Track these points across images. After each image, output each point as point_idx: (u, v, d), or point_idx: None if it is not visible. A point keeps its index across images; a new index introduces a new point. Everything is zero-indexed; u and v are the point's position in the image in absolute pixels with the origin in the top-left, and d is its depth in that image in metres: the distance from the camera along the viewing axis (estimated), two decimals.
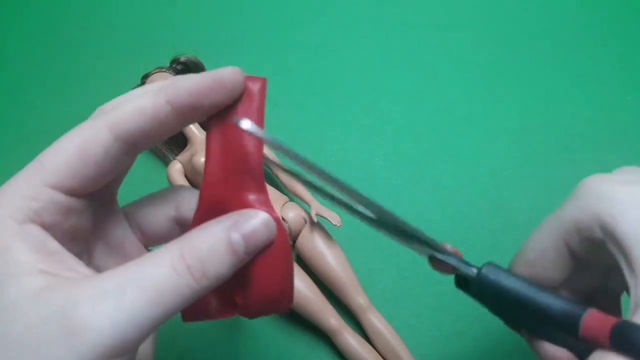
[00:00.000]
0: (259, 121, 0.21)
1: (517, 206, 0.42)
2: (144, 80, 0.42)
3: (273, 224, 0.19)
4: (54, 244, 0.18)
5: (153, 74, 0.42)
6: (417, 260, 0.40)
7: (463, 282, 0.24)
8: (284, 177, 0.39)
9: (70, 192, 0.18)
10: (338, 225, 0.36)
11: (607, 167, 0.43)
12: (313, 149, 0.44)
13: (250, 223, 0.18)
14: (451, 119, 0.46)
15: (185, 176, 0.40)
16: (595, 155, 0.44)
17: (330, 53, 0.49)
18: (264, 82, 0.22)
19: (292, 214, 0.37)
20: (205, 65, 0.44)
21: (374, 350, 0.35)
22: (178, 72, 0.43)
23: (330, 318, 0.35)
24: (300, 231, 0.37)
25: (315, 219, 0.36)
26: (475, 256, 0.38)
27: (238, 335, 0.38)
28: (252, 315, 0.21)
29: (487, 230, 0.41)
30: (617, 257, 0.20)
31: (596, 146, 0.45)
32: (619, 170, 0.23)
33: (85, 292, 0.16)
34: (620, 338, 0.18)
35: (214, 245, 0.17)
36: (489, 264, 0.23)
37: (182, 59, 0.43)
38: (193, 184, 0.39)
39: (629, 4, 0.52)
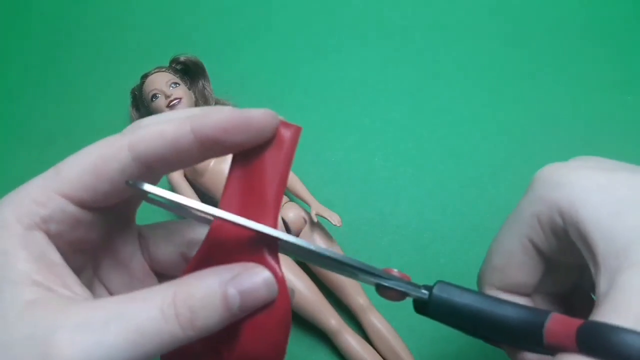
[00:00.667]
0: (284, 171, 0.19)
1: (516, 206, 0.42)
2: (143, 79, 0.42)
3: (274, 285, 0.18)
4: (55, 256, 0.18)
5: (152, 73, 0.42)
6: (416, 260, 0.40)
7: (421, 307, 0.22)
8: None
9: (81, 204, 0.18)
10: (338, 225, 0.36)
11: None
12: (313, 149, 0.44)
13: (250, 280, 0.17)
14: (451, 119, 0.46)
15: (185, 177, 0.40)
16: (594, 155, 0.44)
17: (330, 53, 0.49)
18: (297, 130, 0.20)
19: (292, 214, 0.37)
20: (205, 65, 0.44)
21: (374, 351, 0.35)
22: (177, 72, 0.43)
23: (330, 318, 0.35)
24: (300, 231, 0.37)
25: (315, 219, 0.36)
26: (475, 256, 0.38)
27: None
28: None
29: (487, 230, 0.41)
30: (579, 245, 0.19)
31: (596, 146, 0.45)
32: (574, 159, 0.22)
33: (69, 319, 0.15)
34: (586, 340, 0.17)
35: (208, 296, 0.16)
36: (440, 282, 0.21)
37: (182, 58, 0.43)
38: (193, 184, 0.39)
39: (629, 3, 0.52)
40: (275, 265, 0.18)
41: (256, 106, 0.48)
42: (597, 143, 0.45)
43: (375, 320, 0.36)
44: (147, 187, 0.17)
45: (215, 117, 0.18)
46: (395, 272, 0.21)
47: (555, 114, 0.46)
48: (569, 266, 0.22)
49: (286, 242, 0.18)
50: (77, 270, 0.19)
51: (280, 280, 0.18)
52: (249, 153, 0.19)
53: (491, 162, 0.44)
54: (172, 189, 0.39)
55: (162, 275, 0.23)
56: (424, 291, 0.21)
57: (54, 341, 0.15)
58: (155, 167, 0.18)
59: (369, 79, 0.48)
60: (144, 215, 0.24)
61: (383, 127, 0.46)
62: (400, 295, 0.21)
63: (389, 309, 0.37)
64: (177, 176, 0.39)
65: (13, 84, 0.48)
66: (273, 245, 0.18)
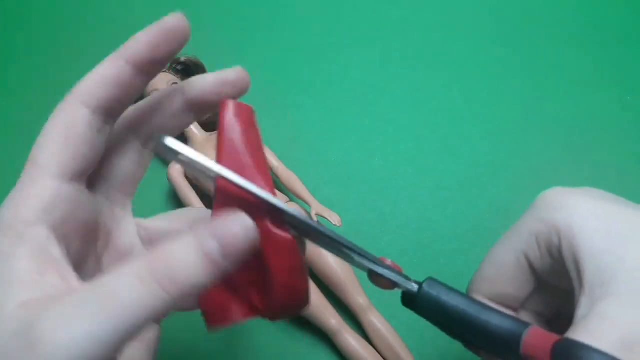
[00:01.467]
0: (247, 140, 0.20)
1: (517, 206, 0.42)
2: None
3: (253, 229, 0.17)
4: (55, 251, 0.17)
5: None
6: (416, 260, 0.40)
7: (408, 300, 0.22)
8: (284, 177, 0.39)
9: (74, 177, 0.18)
10: (338, 225, 0.36)
11: (607, 167, 0.44)
12: (313, 149, 0.44)
13: (227, 227, 0.16)
14: (451, 119, 0.46)
15: (186, 176, 0.40)
16: (595, 156, 0.44)
17: (330, 53, 0.49)
18: (241, 107, 0.21)
19: None
20: (206, 65, 0.44)
21: (374, 351, 0.35)
22: (178, 72, 0.43)
23: (330, 318, 0.35)
24: None
25: (315, 219, 0.36)
26: (475, 256, 0.38)
27: (238, 335, 0.38)
28: (274, 318, 0.20)
29: (486, 231, 0.41)
30: (570, 268, 0.20)
31: (596, 146, 0.45)
32: (580, 188, 0.23)
33: (55, 308, 0.15)
34: (560, 356, 0.18)
35: (185, 252, 0.16)
36: (430, 279, 0.22)
37: (182, 58, 0.43)
38: (194, 185, 0.39)
39: (629, 4, 0.52)
40: (278, 230, 0.19)
41: (256, 106, 0.48)
42: (597, 143, 0.45)
43: (375, 320, 0.36)
44: (168, 141, 0.17)
45: (140, 39, 0.19)
46: (388, 261, 0.22)
47: (555, 114, 0.46)
48: (556, 289, 0.23)
49: (286, 213, 0.18)
50: (81, 262, 0.19)
51: (288, 240, 0.19)
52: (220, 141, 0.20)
53: (491, 162, 0.44)
54: (174, 189, 0.39)
55: None
56: (414, 284, 0.22)
57: (38, 328, 0.14)
58: (114, 109, 0.19)
59: (369, 78, 0.48)
60: (142, 211, 0.24)
61: (383, 127, 0.46)
62: (391, 285, 0.22)
63: (389, 308, 0.37)
64: (178, 176, 0.39)
65: (13, 84, 0.48)
66: (276, 216, 0.19)
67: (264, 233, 0.18)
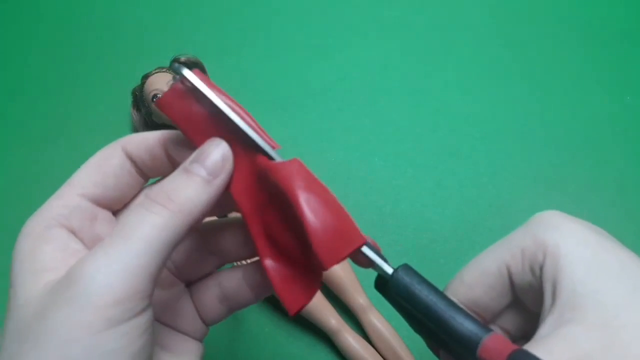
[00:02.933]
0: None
1: (517, 206, 0.42)
2: (144, 80, 0.42)
3: (226, 149, 0.20)
4: (77, 245, 0.19)
5: (153, 74, 0.42)
6: (416, 260, 0.40)
7: (381, 284, 0.22)
8: None
9: (96, 201, 0.20)
10: None
11: (607, 167, 0.43)
12: (313, 149, 0.44)
13: (203, 150, 0.19)
14: (451, 119, 0.46)
15: None
16: (595, 156, 0.44)
17: (330, 53, 0.49)
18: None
19: None
20: (206, 65, 0.44)
21: (374, 350, 0.35)
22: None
23: (331, 318, 0.35)
24: None
25: None
26: (475, 255, 0.38)
27: (238, 335, 0.38)
28: (330, 261, 0.19)
29: (486, 231, 0.41)
30: (546, 286, 0.20)
31: (596, 146, 0.45)
32: (576, 218, 0.23)
33: (87, 256, 0.17)
34: None
35: (174, 177, 0.19)
36: (406, 265, 0.22)
37: (183, 59, 0.43)
38: None
39: (629, 4, 0.52)
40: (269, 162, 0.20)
41: (256, 106, 0.48)
42: (596, 143, 0.45)
43: (375, 320, 0.36)
44: (186, 72, 0.19)
45: (184, 145, 0.21)
46: (368, 238, 0.21)
47: (555, 114, 0.46)
48: (527, 311, 0.23)
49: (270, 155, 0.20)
50: None
51: (288, 162, 0.20)
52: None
53: (491, 163, 0.44)
54: None
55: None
56: (389, 268, 0.21)
57: (75, 271, 0.17)
58: (142, 165, 0.21)
59: (369, 79, 0.48)
60: None
61: (383, 127, 0.46)
62: (368, 262, 0.21)
63: (389, 308, 0.37)
64: None
65: (13, 84, 0.48)
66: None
67: (266, 167, 0.20)
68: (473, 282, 0.23)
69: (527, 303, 0.23)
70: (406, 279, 0.21)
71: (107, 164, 0.20)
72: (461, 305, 0.22)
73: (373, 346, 0.35)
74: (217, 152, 0.19)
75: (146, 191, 0.19)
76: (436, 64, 0.49)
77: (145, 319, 0.17)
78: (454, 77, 0.48)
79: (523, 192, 0.43)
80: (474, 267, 0.23)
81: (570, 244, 0.20)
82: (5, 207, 0.42)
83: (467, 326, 0.20)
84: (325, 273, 0.36)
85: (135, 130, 0.45)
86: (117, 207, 0.21)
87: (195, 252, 0.23)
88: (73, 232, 0.19)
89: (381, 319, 0.36)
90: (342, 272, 0.36)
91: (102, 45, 0.50)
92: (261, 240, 0.21)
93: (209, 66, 0.44)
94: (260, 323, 0.38)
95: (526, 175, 0.43)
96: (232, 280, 0.23)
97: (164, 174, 0.21)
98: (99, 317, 0.16)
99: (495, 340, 0.19)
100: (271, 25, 0.51)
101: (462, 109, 0.46)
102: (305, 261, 0.21)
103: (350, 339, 0.35)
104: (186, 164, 0.19)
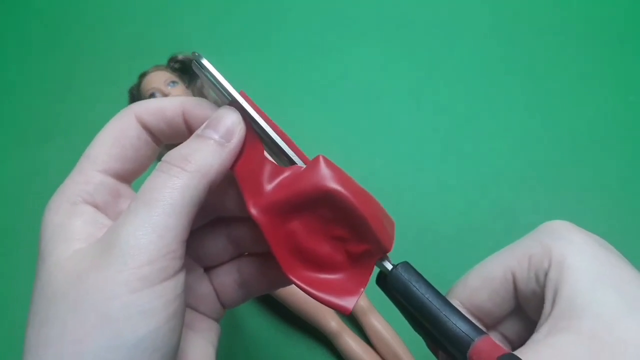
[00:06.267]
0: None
1: (519, 207, 0.42)
2: (141, 78, 0.42)
3: (235, 112, 0.21)
4: (104, 219, 0.20)
5: (150, 72, 0.42)
6: (417, 261, 0.40)
7: (382, 280, 0.23)
8: None
9: (116, 175, 0.21)
10: None
11: (608, 167, 0.43)
12: (313, 149, 0.44)
13: (215, 116, 0.20)
14: (452, 119, 0.46)
15: None
16: (597, 155, 0.44)
17: (330, 53, 0.49)
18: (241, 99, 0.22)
19: None
20: None
21: (375, 353, 0.35)
22: (175, 70, 0.43)
23: (331, 320, 0.35)
24: None
25: None
26: (477, 257, 0.38)
27: (238, 338, 0.37)
28: (391, 242, 0.21)
29: (488, 231, 0.41)
30: (548, 293, 0.20)
31: (598, 146, 0.44)
32: (586, 231, 0.23)
33: (117, 223, 0.18)
34: None
35: (189, 142, 0.20)
36: (406, 263, 0.23)
37: (180, 57, 0.43)
38: None
39: (632, 3, 0.51)
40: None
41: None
42: (599, 143, 0.44)
43: (375, 322, 0.35)
44: (205, 62, 0.21)
45: (202, 112, 0.21)
46: None
47: (557, 115, 0.46)
48: (528, 319, 0.23)
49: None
50: None
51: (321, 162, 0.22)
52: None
53: (493, 163, 0.44)
54: None
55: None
56: (389, 265, 0.22)
57: (113, 236, 0.17)
58: (159, 134, 0.21)
59: (369, 78, 0.48)
60: None
61: (384, 127, 0.45)
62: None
63: (389, 310, 0.37)
64: None
65: (10, 83, 0.48)
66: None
67: (292, 175, 0.21)
68: (477, 286, 0.23)
69: (528, 311, 0.23)
70: (404, 275, 0.22)
71: (124, 136, 0.21)
72: (459, 307, 0.22)
73: (373, 348, 0.35)
74: (229, 118, 0.20)
75: (164, 157, 0.19)
76: (437, 63, 0.48)
77: (178, 282, 0.18)
78: (455, 76, 0.48)
79: (526, 193, 0.42)
80: (479, 272, 0.24)
81: (576, 256, 0.20)
82: (5, 207, 0.41)
83: (460, 327, 0.20)
84: None
85: None
86: (137, 177, 0.22)
87: (214, 240, 0.23)
88: (98, 209, 0.20)
89: (382, 321, 0.36)
90: None
91: (99, 44, 0.50)
92: (283, 252, 0.21)
93: None
94: (260, 326, 0.38)
95: (529, 175, 0.43)
96: (251, 268, 0.24)
97: (181, 141, 0.21)
98: (135, 276, 0.17)
99: (486, 343, 0.20)
100: (271, 24, 0.51)
101: (463, 108, 0.46)
102: (342, 259, 0.21)
103: (350, 342, 0.35)
104: (199, 130, 0.20)
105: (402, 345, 0.35)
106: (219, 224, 0.24)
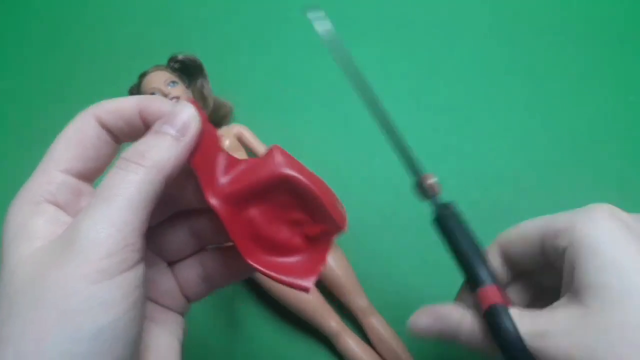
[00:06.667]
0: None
1: (520, 207, 0.42)
2: (141, 78, 0.42)
3: (191, 107, 0.21)
4: (66, 217, 0.20)
5: (150, 72, 0.41)
6: (417, 261, 0.40)
7: (436, 221, 0.29)
8: None
9: (79, 175, 0.21)
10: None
11: (609, 167, 0.43)
12: (313, 149, 0.44)
13: (172, 112, 0.21)
14: (452, 119, 0.46)
15: None
16: (597, 155, 0.44)
17: (330, 52, 0.49)
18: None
19: None
20: (204, 64, 0.44)
21: (375, 353, 0.35)
22: (175, 70, 0.43)
23: (331, 321, 0.35)
24: None
25: None
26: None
27: (238, 338, 0.37)
28: (344, 220, 0.23)
29: (489, 232, 0.40)
30: (565, 270, 0.23)
31: (599, 146, 0.44)
32: (628, 216, 0.24)
33: (76, 219, 0.19)
34: (491, 311, 0.23)
35: (146, 139, 0.20)
36: (448, 206, 0.29)
37: (180, 57, 0.43)
38: None
39: (632, 4, 0.51)
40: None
41: (255, 105, 0.48)
42: (599, 143, 0.44)
43: (375, 323, 0.35)
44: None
45: (159, 109, 0.21)
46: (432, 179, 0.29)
47: (558, 114, 0.46)
48: (537, 286, 0.28)
49: None
50: None
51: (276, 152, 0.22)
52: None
53: (494, 163, 0.43)
54: None
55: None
56: (439, 203, 0.29)
57: (74, 230, 0.18)
58: (119, 133, 0.22)
59: (369, 78, 0.48)
60: None
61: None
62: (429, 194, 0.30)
63: (390, 311, 0.37)
64: None
65: (11, 83, 0.48)
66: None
67: (248, 164, 0.22)
68: (513, 240, 0.27)
69: (544, 275, 0.26)
70: (443, 214, 0.29)
71: (84, 137, 0.21)
72: (495, 254, 0.28)
73: (374, 349, 0.35)
74: (185, 112, 0.21)
75: (122, 154, 0.20)
76: (438, 63, 0.48)
77: (137, 273, 0.19)
78: (455, 76, 0.48)
79: (526, 193, 0.42)
80: (519, 229, 0.28)
81: (594, 239, 0.23)
82: (5, 207, 0.41)
83: (481, 271, 0.25)
84: (325, 275, 0.36)
85: None
86: (98, 176, 0.22)
87: (176, 234, 0.24)
88: (60, 207, 0.20)
89: (382, 321, 0.36)
90: (342, 274, 0.36)
91: (99, 44, 0.50)
92: (243, 239, 0.22)
93: (208, 65, 0.44)
94: (260, 326, 0.38)
95: (529, 175, 0.43)
96: (213, 260, 0.24)
97: (139, 138, 0.22)
98: (94, 269, 0.17)
99: (492, 289, 0.24)
100: (270, 24, 0.51)
101: (463, 109, 0.46)
102: (300, 241, 0.23)
103: (350, 342, 0.35)
104: (156, 126, 0.21)
105: (402, 346, 0.35)
106: (180, 218, 0.24)
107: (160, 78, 0.41)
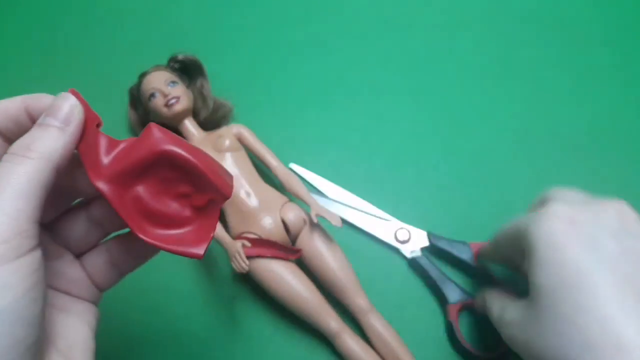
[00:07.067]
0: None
1: (519, 206, 0.42)
2: (141, 78, 0.42)
3: (72, 98, 0.22)
4: None
5: (150, 72, 0.42)
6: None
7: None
8: (283, 177, 0.39)
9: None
10: (338, 226, 0.36)
11: (608, 167, 0.43)
12: (313, 149, 0.44)
13: (54, 105, 0.21)
14: (452, 118, 0.46)
15: None
16: (596, 155, 0.44)
17: (330, 52, 0.49)
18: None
19: (292, 214, 0.37)
20: (204, 64, 0.44)
21: (375, 353, 0.35)
22: (175, 71, 0.43)
23: (330, 320, 0.35)
24: (300, 232, 0.37)
25: (315, 220, 0.36)
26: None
27: (237, 338, 0.37)
28: (229, 189, 0.23)
29: (489, 231, 0.40)
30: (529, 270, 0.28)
31: (597, 146, 0.44)
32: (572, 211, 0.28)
33: None
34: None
35: (31, 132, 0.21)
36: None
37: (180, 57, 0.43)
38: None
39: (630, 4, 0.51)
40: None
41: (255, 105, 0.48)
42: (599, 143, 0.44)
43: (375, 322, 0.35)
44: None
45: (43, 104, 0.22)
46: None
47: (558, 114, 0.46)
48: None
49: None
50: None
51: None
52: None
53: (494, 162, 0.44)
54: None
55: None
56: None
57: None
58: (7, 133, 0.22)
59: (369, 78, 0.48)
60: None
61: (383, 127, 0.45)
62: None
63: (389, 310, 0.37)
64: None
65: (11, 83, 0.48)
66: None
67: (129, 144, 0.23)
68: (499, 240, 0.33)
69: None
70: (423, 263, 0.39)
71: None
72: (490, 256, 0.36)
73: (374, 348, 0.35)
74: (67, 104, 0.21)
75: (9, 149, 0.21)
76: (437, 63, 0.48)
77: (33, 258, 0.19)
78: (455, 76, 0.48)
79: (525, 192, 0.42)
80: (503, 230, 0.33)
81: (540, 244, 0.27)
82: None
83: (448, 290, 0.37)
84: (325, 275, 0.36)
85: (133, 129, 0.44)
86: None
87: (78, 224, 0.25)
88: None
89: (382, 321, 0.36)
90: (342, 274, 0.36)
91: (99, 44, 0.50)
92: (133, 217, 0.23)
93: (208, 65, 0.44)
94: (260, 326, 0.38)
95: (529, 175, 0.43)
96: (118, 246, 0.25)
97: None
98: None
99: (454, 307, 0.36)
100: (271, 24, 0.51)
101: (463, 108, 0.46)
102: (189, 213, 0.23)
103: (350, 342, 0.35)
104: (40, 120, 0.21)
105: (403, 346, 0.35)
106: (80, 208, 0.25)
107: (160, 78, 0.41)
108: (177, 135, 0.22)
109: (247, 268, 0.35)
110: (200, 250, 0.23)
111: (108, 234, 0.26)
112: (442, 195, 0.42)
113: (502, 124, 0.45)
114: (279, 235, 0.37)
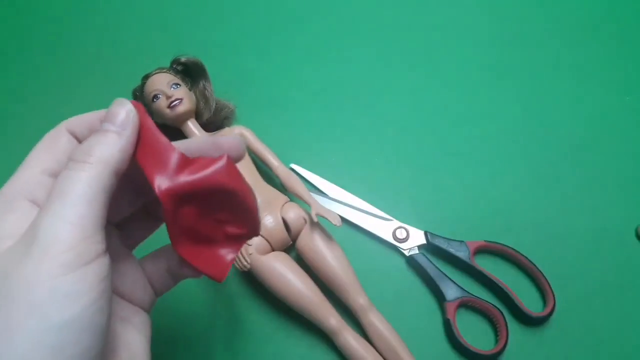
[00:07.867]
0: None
1: (518, 206, 0.42)
2: (144, 80, 0.42)
3: (128, 104, 0.22)
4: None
5: (153, 74, 0.42)
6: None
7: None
8: (284, 177, 0.39)
9: (54, 174, 0.22)
10: (338, 225, 0.36)
11: (607, 166, 0.43)
12: (313, 149, 0.44)
13: (110, 111, 0.22)
14: (451, 119, 0.46)
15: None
16: (595, 155, 0.44)
17: (330, 53, 0.49)
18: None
19: (292, 214, 0.37)
20: (206, 66, 0.44)
21: (374, 350, 0.35)
22: (178, 73, 0.43)
23: (330, 318, 0.35)
24: (300, 231, 0.37)
25: (315, 219, 0.36)
26: (477, 257, 0.38)
27: (238, 336, 0.38)
28: (256, 230, 0.25)
29: (488, 231, 0.41)
30: None
31: (596, 146, 0.45)
32: None
33: (34, 219, 0.20)
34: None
35: (90, 138, 0.22)
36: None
37: (183, 59, 0.43)
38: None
39: (629, 4, 0.52)
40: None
41: (256, 106, 0.48)
42: (596, 143, 0.45)
43: (375, 320, 0.36)
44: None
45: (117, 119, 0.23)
46: None
47: (554, 114, 0.46)
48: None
49: None
50: None
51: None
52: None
53: (491, 163, 0.44)
54: None
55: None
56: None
57: (35, 230, 0.19)
58: (83, 139, 0.23)
59: (369, 79, 0.48)
60: None
61: (383, 127, 0.46)
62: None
63: (389, 309, 0.37)
64: None
65: (14, 85, 0.48)
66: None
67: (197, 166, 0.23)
68: None
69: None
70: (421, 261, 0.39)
71: (57, 144, 0.23)
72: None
73: (373, 346, 0.35)
74: (123, 110, 0.22)
75: (70, 155, 0.21)
76: (436, 64, 0.49)
77: (101, 265, 0.19)
78: (454, 77, 0.48)
79: (524, 192, 0.43)
80: None
81: None
82: None
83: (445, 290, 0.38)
84: (325, 273, 0.36)
85: None
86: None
87: (143, 227, 0.26)
88: (37, 205, 0.21)
89: (382, 319, 0.36)
90: (342, 272, 0.36)
91: (103, 46, 0.50)
92: (174, 229, 0.23)
93: (210, 67, 0.44)
94: (261, 323, 0.38)
95: (526, 175, 0.43)
96: (174, 255, 0.26)
97: None
98: (55, 264, 0.18)
99: (451, 305, 0.37)
100: (271, 25, 0.51)
101: (462, 109, 0.46)
102: (221, 238, 0.25)
103: (350, 339, 0.35)
104: (98, 126, 0.22)
105: (402, 344, 0.35)
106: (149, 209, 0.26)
107: (163, 80, 0.41)
108: (238, 170, 0.24)
109: (248, 266, 0.35)
110: (222, 276, 0.24)
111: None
112: (440, 194, 0.43)
113: (500, 124, 0.46)
114: (279, 234, 0.37)
